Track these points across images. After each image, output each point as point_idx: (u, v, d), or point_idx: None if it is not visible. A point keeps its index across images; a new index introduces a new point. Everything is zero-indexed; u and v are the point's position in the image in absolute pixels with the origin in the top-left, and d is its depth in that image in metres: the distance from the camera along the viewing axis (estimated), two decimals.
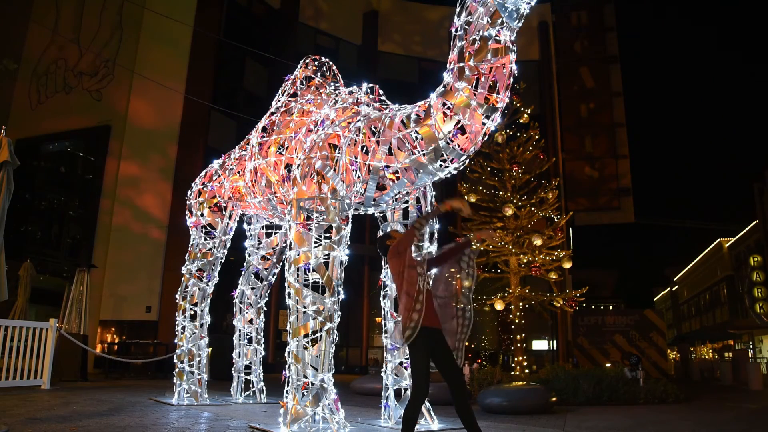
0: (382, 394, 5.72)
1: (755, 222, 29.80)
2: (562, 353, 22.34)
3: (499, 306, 13.39)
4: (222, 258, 7.76)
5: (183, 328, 7.49)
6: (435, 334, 3.91)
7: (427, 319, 3.87)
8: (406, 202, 5.85)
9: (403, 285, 3.95)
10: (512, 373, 12.55)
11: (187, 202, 8.05)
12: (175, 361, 7.49)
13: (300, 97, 6.70)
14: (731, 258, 34.58)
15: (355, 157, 5.27)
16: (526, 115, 13.87)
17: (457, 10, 4.56)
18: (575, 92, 25.40)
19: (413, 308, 3.81)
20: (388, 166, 5.10)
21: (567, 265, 13.55)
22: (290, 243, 5.27)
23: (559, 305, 13.80)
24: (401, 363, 5.66)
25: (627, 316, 16.27)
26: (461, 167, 5.08)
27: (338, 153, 5.35)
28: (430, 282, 4.09)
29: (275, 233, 7.97)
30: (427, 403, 5.54)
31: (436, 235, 5.85)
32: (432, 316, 3.94)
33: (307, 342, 5.05)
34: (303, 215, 5.29)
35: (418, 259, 4.02)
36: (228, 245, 7.81)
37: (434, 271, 4.37)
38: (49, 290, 16.78)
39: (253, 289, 7.98)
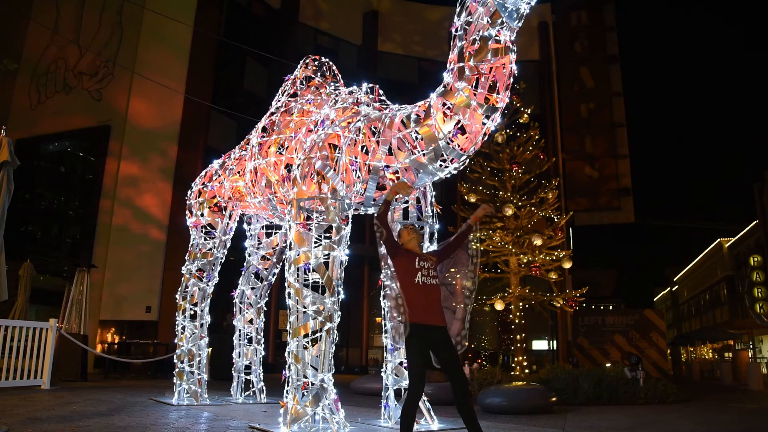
0: (382, 394, 5.72)
1: (755, 222, 29.75)
2: (562, 353, 22.34)
3: (499, 306, 13.39)
4: (222, 258, 7.76)
5: (183, 328, 7.49)
6: (433, 332, 3.89)
7: (422, 317, 3.87)
8: (406, 202, 5.86)
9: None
10: (512, 373, 12.55)
11: (187, 202, 8.05)
12: (175, 361, 7.49)
13: (300, 97, 6.71)
14: (731, 258, 34.54)
15: (355, 157, 5.27)
16: (526, 115, 13.87)
17: (457, 10, 4.56)
18: (575, 92, 25.39)
19: (397, 309, 3.87)
20: (388, 166, 5.10)
21: (567, 265, 13.55)
22: (290, 243, 5.26)
23: (559, 305, 13.80)
24: (401, 363, 5.66)
25: (627, 316, 16.23)
26: (461, 167, 5.08)
27: (338, 153, 5.35)
28: (433, 280, 4.07)
29: (275, 233, 7.96)
30: (427, 403, 5.54)
31: (435, 235, 5.85)
32: (431, 314, 3.92)
33: (307, 342, 5.05)
34: (303, 215, 5.29)
35: (398, 256, 4.08)
36: (228, 245, 7.81)
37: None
38: (49, 290, 16.79)
39: (253, 289, 7.98)
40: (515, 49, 4.40)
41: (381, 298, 5.91)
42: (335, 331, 5.13)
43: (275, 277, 8.16)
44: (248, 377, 7.86)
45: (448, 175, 5.16)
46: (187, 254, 7.82)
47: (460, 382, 3.79)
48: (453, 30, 4.59)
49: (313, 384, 4.96)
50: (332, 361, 5.11)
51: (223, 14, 19.27)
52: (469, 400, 3.84)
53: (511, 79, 4.48)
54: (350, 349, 22.31)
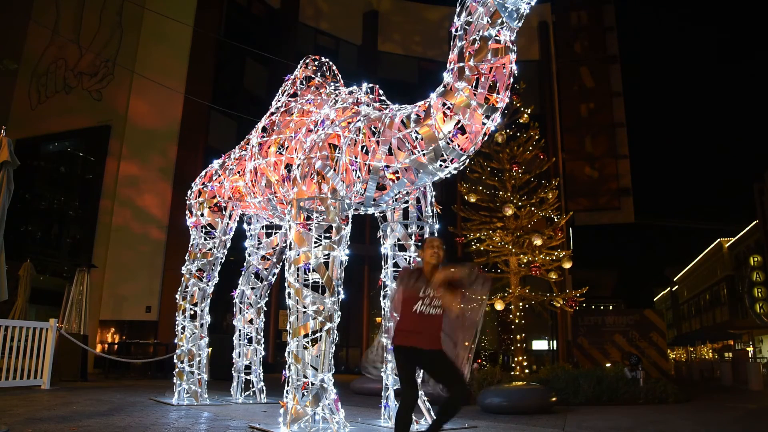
0: (382, 394, 5.72)
1: (755, 222, 29.79)
2: (562, 353, 22.32)
3: (499, 306, 13.38)
4: (222, 258, 7.76)
5: (183, 328, 7.49)
6: (416, 354, 3.71)
7: (406, 340, 3.72)
8: (406, 202, 5.86)
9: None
10: (512, 373, 12.54)
11: (187, 202, 8.05)
12: (175, 361, 7.49)
13: (300, 97, 6.71)
14: (731, 258, 34.57)
15: (355, 157, 5.27)
16: (526, 115, 13.87)
17: (457, 10, 4.57)
18: (575, 92, 25.37)
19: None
20: (388, 166, 5.10)
21: (567, 265, 13.54)
22: (290, 243, 5.26)
23: (559, 305, 13.79)
24: None
25: (627, 316, 16.23)
26: (461, 167, 5.08)
27: (338, 153, 5.35)
28: (435, 309, 3.79)
29: (275, 233, 7.97)
30: (427, 403, 5.55)
31: (435, 235, 5.84)
32: (417, 338, 3.71)
33: (307, 342, 5.05)
34: (303, 215, 5.29)
35: (405, 290, 3.85)
36: (228, 245, 7.81)
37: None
38: (49, 290, 16.78)
39: (253, 289, 7.98)
40: (515, 49, 4.40)
41: (381, 298, 5.92)
42: (335, 331, 5.13)
43: (275, 277, 8.16)
44: (248, 377, 7.87)
45: (448, 175, 5.16)
46: (187, 254, 7.82)
47: (454, 391, 3.68)
48: (453, 30, 4.59)
49: (313, 384, 4.96)
50: (332, 361, 5.11)
51: (223, 14, 19.26)
52: (458, 405, 3.73)
53: (511, 79, 4.48)
54: (350, 349, 22.29)
